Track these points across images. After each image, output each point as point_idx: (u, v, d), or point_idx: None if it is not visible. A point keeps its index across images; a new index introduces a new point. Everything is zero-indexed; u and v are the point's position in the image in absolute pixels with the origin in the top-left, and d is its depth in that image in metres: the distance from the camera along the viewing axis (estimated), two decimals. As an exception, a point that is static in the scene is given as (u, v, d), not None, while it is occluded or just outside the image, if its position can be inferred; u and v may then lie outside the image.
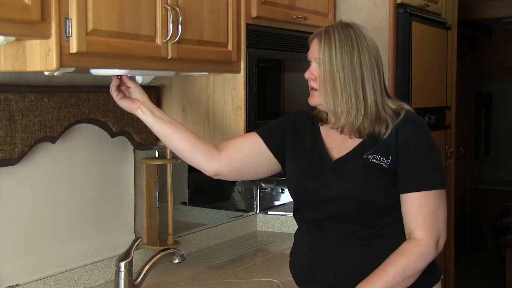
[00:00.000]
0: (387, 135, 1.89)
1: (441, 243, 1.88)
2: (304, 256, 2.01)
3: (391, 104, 1.92)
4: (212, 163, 2.08)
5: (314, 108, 2.01)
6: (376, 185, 1.88)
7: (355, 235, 1.90)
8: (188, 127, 2.11)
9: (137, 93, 2.04)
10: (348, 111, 1.87)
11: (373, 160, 1.88)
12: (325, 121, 2.01)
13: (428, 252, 1.86)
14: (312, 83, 1.93)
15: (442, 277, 2.03)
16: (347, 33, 1.88)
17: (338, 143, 1.96)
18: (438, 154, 1.95)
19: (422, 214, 1.86)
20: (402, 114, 1.90)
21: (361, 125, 1.88)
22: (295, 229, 2.10)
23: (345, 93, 1.87)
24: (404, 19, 3.08)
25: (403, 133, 1.88)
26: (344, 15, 3.10)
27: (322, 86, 1.89)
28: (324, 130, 2.02)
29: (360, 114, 1.87)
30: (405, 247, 1.86)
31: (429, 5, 3.43)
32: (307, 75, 1.94)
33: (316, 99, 1.93)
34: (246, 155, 2.08)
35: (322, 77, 1.88)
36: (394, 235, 1.90)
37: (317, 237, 1.96)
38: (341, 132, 1.93)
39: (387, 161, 1.87)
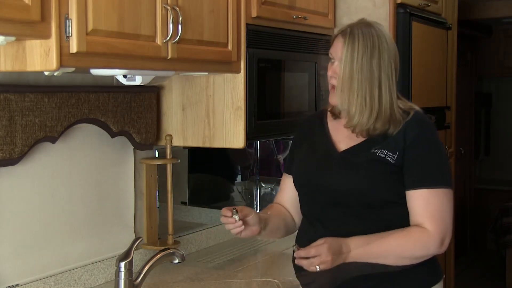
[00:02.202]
0: (395, 132, 1.92)
1: (447, 241, 1.90)
2: None
3: (401, 104, 1.97)
4: (296, 225, 2.17)
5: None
6: (380, 179, 1.90)
7: (358, 231, 1.90)
8: (280, 215, 2.14)
9: (254, 221, 1.95)
10: (361, 112, 1.91)
11: (379, 154, 1.91)
12: (338, 116, 2.05)
13: (432, 245, 1.87)
14: (333, 81, 1.96)
15: (444, 276, 2.03)
16: (369, 34, 1.92)
17: (346, 137, 2.00)
18: (445, 154, 1.99)
19: (429, 211, 1.88)
20: (412, 113, 1.94)
21: (372, 126, 1.91)
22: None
23: (360, 94, 1.90)
24: (404, 19, 3.07)
25: (411, 132, 1.91)
26: (344, 15, 3.10)
27: (339, 85, 1.93)
28: (332, 124, 2.07)
29: (373, 115, 1.91)
30: (413, 230, 1.88)
31: (429, 5, 3.43)
32: (330, 73, 1.97)
33: (335, 99, 1.96)
34: (296, 195, 2.13)
35: (341, 76, 1.92)
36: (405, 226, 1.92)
37: (321, 232, 1.95)
38: (353, 131, 1.96)
39: (394, 156, 1.90)
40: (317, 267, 1.83)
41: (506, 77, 6.90)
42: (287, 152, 3.52)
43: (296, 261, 1.89)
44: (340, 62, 1.93)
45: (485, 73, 6.95)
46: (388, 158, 1.90)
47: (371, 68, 1.90)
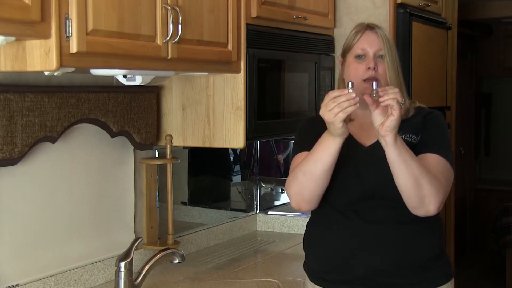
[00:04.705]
0: (413, 119, 2.03)
1: (441, 207, 1.95)
2: (344, 242, 2.01)
3: None
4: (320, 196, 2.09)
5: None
6: None
7: (394, 221, 1.96)
8: None
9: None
10: (404, 99, 1.99)
11: (405, 138, 1.96)
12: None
13: (441, 191, 1.91)
14: (374, 73, 2.01)
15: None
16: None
17: (365, 134, 2.04)
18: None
19: (440, 170, 1.94)
20: (425, 105, 2.11)
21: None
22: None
23: (401, 82, 2.04)
24: (404, 19, 3.08)
25: (430, 115, 2.05)
26: (344, 15, 3.10)
27: (392, 75, 2.01)
28: None
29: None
30: (434, 170, 1.93)
31: (429, 5, 3.43)
32: (372, 65, 2.00)
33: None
34: None
35: (390, 67, 2.01)
36: (432, 218, 1.97)
37: (357, 222, 1.98)
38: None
39: (417, 139, 1.99)
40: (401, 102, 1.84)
41: (506, 77, 6.90)
42: (287, 152, 3.53)
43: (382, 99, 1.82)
44: (380, 55, 2.01)
45: (485, 73, 6.95)
46: (413, 141, 1.98)
47: (398, 58, 2.06)
